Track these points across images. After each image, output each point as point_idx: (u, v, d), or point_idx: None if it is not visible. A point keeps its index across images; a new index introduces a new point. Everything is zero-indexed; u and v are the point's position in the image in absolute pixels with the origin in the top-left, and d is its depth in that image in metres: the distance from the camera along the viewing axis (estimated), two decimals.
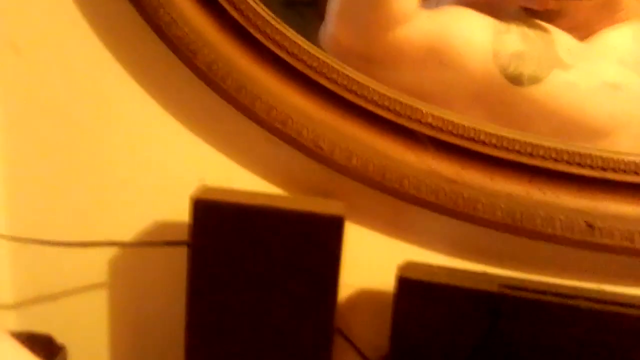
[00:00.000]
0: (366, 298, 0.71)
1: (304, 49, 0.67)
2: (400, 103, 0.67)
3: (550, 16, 0.70)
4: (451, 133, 0.66)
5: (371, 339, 0.71)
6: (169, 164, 0.72)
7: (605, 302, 0.63)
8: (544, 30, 0.69)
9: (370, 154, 0.67)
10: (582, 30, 0.70)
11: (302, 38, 0.68)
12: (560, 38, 0.69)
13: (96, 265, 0.74)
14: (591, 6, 0.69)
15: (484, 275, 0.67)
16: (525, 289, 0.63)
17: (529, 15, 0.70)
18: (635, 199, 0.64)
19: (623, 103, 0.69)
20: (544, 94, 0.67)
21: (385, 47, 0.68)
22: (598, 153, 0.64)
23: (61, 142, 0.73)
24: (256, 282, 0.67)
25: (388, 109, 0.67)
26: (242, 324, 0.67)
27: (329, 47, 0.70)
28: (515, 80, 0.67)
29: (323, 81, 0.67)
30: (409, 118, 0.66)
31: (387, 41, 0.67)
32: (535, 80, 0.67)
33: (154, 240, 0.72)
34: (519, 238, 0.66)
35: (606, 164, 0.64)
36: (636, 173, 0.64)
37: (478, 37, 0.68)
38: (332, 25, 0.70)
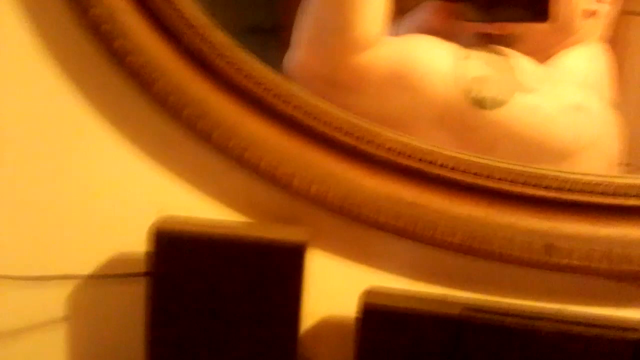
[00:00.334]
0: (329, 325, 0.71)
1: (263, 75, 0.67)
2: (360, 128, 0.67)
3: (508, 41, 0.72)
4: (410, 157, 0.66)
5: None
6: (128, 195, 0.71)
7: (566, 322, 0.63)
8: (504, 55, 0.70)
9: (331, 180, 0.67)
10: (540, 54, 0.72)
11: (261, 65, 0.68)
12: (520, 62, 0.71)
13: (55, 300, 0.73)
14: (547, 31, 0.71)
15: (447, 299, 0.66)
16: (488, 312, 0.63)
17: (487, 41, 0.72)
18: (592, 219, 0.65)
19: (585, 123, 0.71)
20: (507, 117, 0.69)
21: (350, 71, 0.69)
22: (554, 174, 0.65)
23: (16, 175, 0.71)
24: (218, 312, 0.66)
25: (347, 134, 0.67)
26: (203, 355, 0.67)
27: (295, 73, 0.71)
28: (479, 104, 0.68)
29: (282, 108, 0.67)
30: (368, 143, 0.67)
31: (352, 66, 0.68)
32: (498, 103, 0.68)
33: (114, 273, 0.71)
34: (479, 260, 0.66)
35: (563, 185, 0.64)
36: (592, 193, 0.65)
37: (439, 63, 0.69)
38: (298, 51, 0.71)
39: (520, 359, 0.63)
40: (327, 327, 0.71)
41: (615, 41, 0.76)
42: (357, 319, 0.64)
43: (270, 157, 0.67)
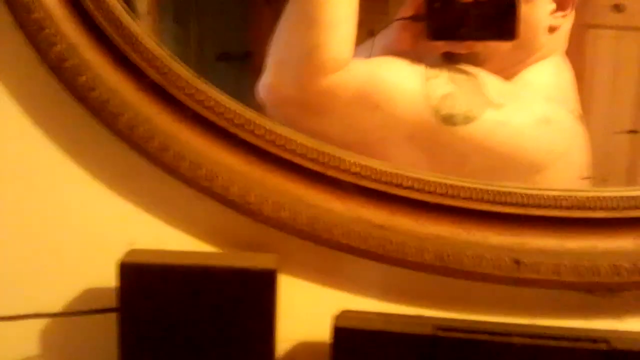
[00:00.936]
0: (304, 350, 0.71)
1: (227, 105, 0.68)
2: (325, 154, 0.68)
3: (474, 60, 0.72)
4: (377, 180, 0.67)
5: None
6: (96, 229, 0.71)
7: (537, 336, 0.63)
8: (471, 73, 0.71)
9: (299, 205, 0.67)
10: (505, 71, 0.73)
11: (224, 95, 0.68)
12: (487, 79, 0.71)
13: (27, 338, 0.72)
14: (512, 48, 0.72)
15: (418, 318, 0.67)
16: (459, 330, 0.64)
17: (454, 61, 0.73)
18: (558, 233, 0.65)
19: (555, 136, 0.72)
20: (478, 133, 0.69)
21: (319, 94, 0.69)
22: (520, 191, 0.65)
23: None
24: (191, 343, 0.66)
25: (314, 161, 0.68)
26: None
27: (266, 97, 0.71)
28: (449, 121, 0.69)
29: (248, 137, 0.68)
30: (335, 168, 0.67)
31: (321, 89, 0.69)
32: (468, 120, 0.69)
33: (83, 309, 0.71)
34: (449, 278, 0.67)
35: (528, 201, 0.65)
36: (558, 207, 0.65)
37: (408, 82, 0.70)
38: (268, 74, 0.71)
39: None
40: (302, 352, 0.71)
41: (579, 54, 0.78)
42: (330, 342, 0.64)
43: (238, 186, 0.67)
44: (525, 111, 0.72)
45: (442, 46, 0.73)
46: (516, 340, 0.63)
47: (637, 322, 0.68)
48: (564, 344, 0.63)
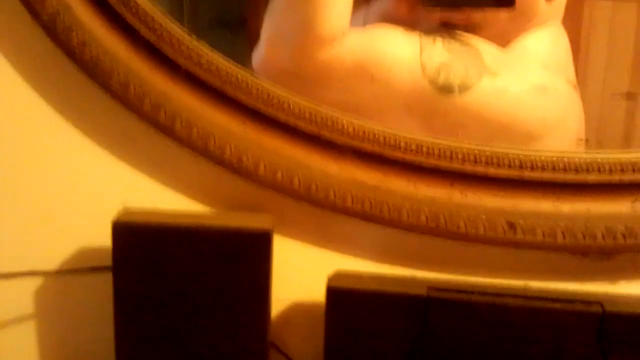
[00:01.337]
0: (299, 310, 0.71)
1: (221, 65, 0.67)
2: (321, 114, 0.67)
3: (471, 28, 0.72)
4: (372, 141, 0.67)
5: (307, 352, 0.71)
6: (91, 190, 0.71)
7: (532, 298, 0.64)
8: (467, 41, 0.71)
9: (295, 167, 0.67)
10: (501, 39, 0.72)
11: (221, 56, 0.68)
12: (483, 47, 0.71)
13: (22, 296, 0.72)
14: (508, 16, 0.71)
15: (413, 279, 0.67)
16: (453, 291, 0.64)
17: (450, 29, 0.72)
18: (554, 196, 0.65)
19: (551, 105, 0.72)
20: (475, 102, 0.69)
21: (317, 66, 0.69)
22: (514, 152, 0.65)
23: None
24: (186, 302, 0.66)
25: (309, 121, 0.67)
26: (174, 344, 0.66)
27: (262, 69, 0.71)
28: (446, 90, 0.69)
29: (243, 97, 0.67)
30: (330, 129, 0.67)
31: (319, 60, 0.69)
32: (465, 88, 0.69)
33: (79, 267, 0.71)
34: (444, 240, 0.67)
35: (523, 163, 0.65)
36: (553, 170, 0.65)
37: (405, 52, 0.70)
38: (264, 47, 0.71)
39: (487, 335, 0.63)
40: (297, 313, 0.71)
41: (576, 23, 0.77)
42: (325, 302, 0.65)
43: (233, 146, 0.67)
44: (522, 79, 0.72)
45: (440, 15, 0.73)
46: (510, 301, 0.63)
47: (630, 286, 0.68)
48: (558, 306, 0.63)
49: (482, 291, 0.64)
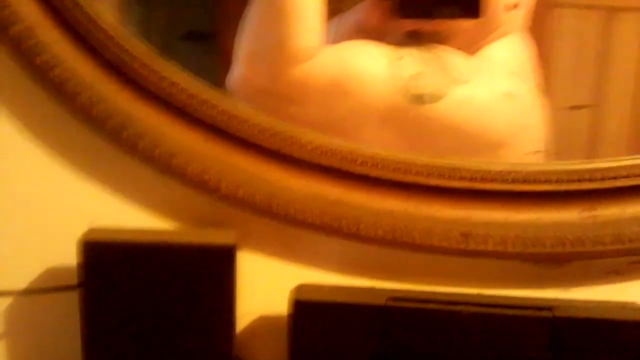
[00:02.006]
0: (265, 324, 0.73)
1: (184, 84, 0.69)
2: (282, 131, 0.69)
3: (439, 38, 0.75)
4: (332, 156, 0.69)
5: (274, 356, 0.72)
6: (58, 209, 0.72)
7: (485, 305, 0.66)
8: (436, 51, 0.74)
9: (256, 182, 0.69)
10: (468, 48, 0.76)
11: (184, 73, 0.69)
12: (451, 57, 0.74)
13: None
14: (474, 25, 0.75)
15: (372, 290, 0.69)
16: (410, 300, 0.66)
17: (418, 39, 0.75)
18: (504, 206, 0.68)
19: (517, 110, 0.75)
20: (445, 111, 0.72)
21: (291, 83, 0.71)
22: (467, 165, 0.68)
23: None
24: (152, 318, 0.67)
25: (271, 137, 0.69)
26: (142, 356, 0.68)
27: (238, 88, 0.73)
28: (418, 100, 0.71)
29: (205, 116, 0.69)
30: (290, 146, 0.69)
31: (292, 78, 0.71)
32: (435, 98, 0.72)
33: (46, 287, 0.72)
34: (401, 251, 0.69)
35: (475, 175, 0.68)
36: (504, 181, 0.68)
37: (376, 66, 0.72)
38: (240, 65, 0.73)
39: (444, 341, 0.66)
40: (262, 326, 0.73)
41: (544, 33, 0.80)
42: (288, 315, 0.67)
43: (196, 164, 0.69)
44: (489, 86, 0.75)
45: (409, 24, 0.76)
46: (464, 308, 0.66)
47: (581, 292, 0.71)
48: (510, 312, 0.66)
49: (438, 300, 0.67)
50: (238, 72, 0.73)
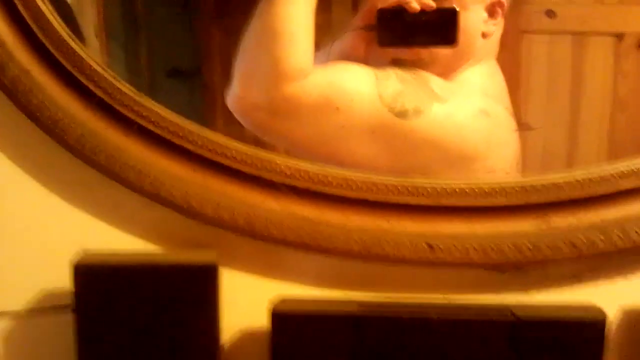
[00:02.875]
0: (247, 338, 0.77)
1: (170, 119, 0.74)
2: (260, 158, 0.74)
3: (419, 64, 0.81)
4: (306, 180, 0.74)
5: None
6: (51, 236, 0.77)
7: (451, 311, 0.71)
8: (417, 73, 0.79)
9: (237, 205, 0.74)
10: (445, 74, 0.81)
11: (167, 110, 0.74)
12: (431, 78, 0.80)
13: None
14: (450, 53, 0.80)
15: (347, 301, 0.73)
16: (382, 308, 0.71)
17: (401, 65, 0.80)
18: (467, 219, 0.73)
19: (492, 128, 0.80)
20: (428, 125, 0.77)
21: (285, 101, 0.76)
22: (430, 183, 0.73)
23: None
24: (142, 336, 0.72)
25: (250, 165, 0.74)
26: None
27: (235, 106, 0.78)
28: (402, 115, 0.76)
29: (189, 146, 0.74)
30: (268, 170, 0.74)
31: (287, 96, 0.76)
32: (418, 113, 0.77)
33: (41, 308, 0.76)
34: (373, 264, 0.74)
35: (439, 192, 0.73)
36: (464, 197, 0.73)
37: (364, 84, 0.77)
38: (236, 85, 0.78)
39: (414, 346, 0.70)
40: (244, 340, 0.77)
41: (515, 58, 0.86)
42: (269, 326, 0.71)
43: (181, 191, 0.74)
44: (466, 104, 0.80)
45: (392, 52, 0.81)
46: (432, 315, 0.70)
47: (542, 295, 0.76)
48: (474, 316, 0.70)
49: (408, 308, 0.71)
50: (235, 91, 0.78)
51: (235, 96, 0.78)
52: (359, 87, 0.77)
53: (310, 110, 0.77)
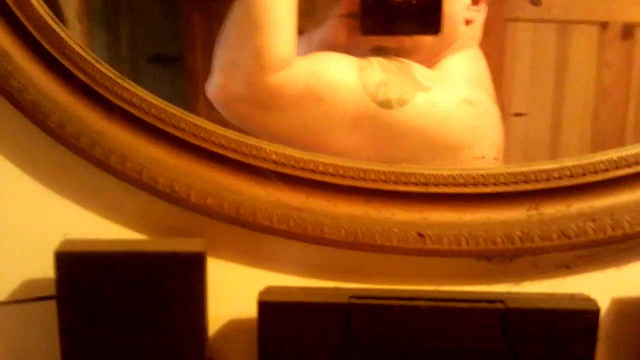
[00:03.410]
0: (234, 327, 0.76)
1: (152, 102, 0.73)
2: (246, 144, 0.73)
3: (402, 52, 0.79)
4: (293, 166, 0.73)
5: (245, 356, 0.76)
6: (32, 223, 0.75)
7: (441, 299, 0.70)
8: (400, 61, 0.78)
9: (224, 193, 0.73)
10: (429, 62, 0.80)
11: (150, 94, 0.73)
12: (414, 66, 0.78)
13: None
14: (433, 40, 0.79)
15: (335, 290, 0.73)
16: (371, 297, 0.70)
17: (383, 54, 0.78)
18: (457, 207, 0.72)
19: (477, 116, 0.79)
20: (412, 115, 0.76)
21: (268, 91, 0.74)
22: (420, 170, 0.72)
23: None
24: (127, 325, 0.70)
25: (235, 150, 0.73)
26: None
27: (216, 96, 0.76)
28: (385, 105, 0.75)
29: (172, 130, 0.73)
30: (255, 157, 0.73)
31: (269, 86, 0.74)
32: (402, 103, 0.75)
33: (24, 298, 0.75)
34: (362, 252, 0.73)
35: (427, 180, 0.72)
36: (454, 185, 0.72)
37: (346, 74, 0.76)
38: (217, 75, 0.76)
39: (404, 335, 0.70)
40: (232, 329, 0.76)
41: (499, 46, 0.84)
42: (257, 315, 0.70)
43: (165, 177, 0.73)
44: (450, 93, 0.79)
45: (375, 40, 0.79)
46: (422, 304, 0.70)
47: (533, 285, 0.75)
48: (465, 305, 0.70)
49: (397, 296, 0.70)
50: (216, 81, 0.76)
51: (216, 86, 0.77)
52: (342, 76, 0.76)
53: (293, 101, 0.75)
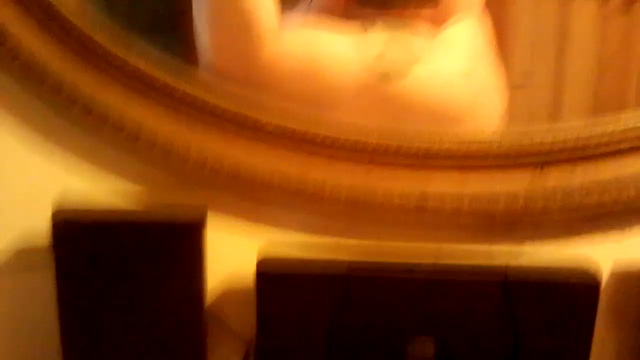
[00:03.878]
0: (232, 297, 0.75)
1: (145, 66, 0.71)
2: (244, 113, 0.72)
3: (400, 22, 0.77)
4: (290, 138, 0.72)
5: (244, 320, 0.75)
6: (26, 190, 0.74)
7: (439, 272, 0.69)
8: (398, 33, 0.76)
9: (222, 159, 0.71)
10: (429, 32, 0.78)
11: (148, 53, 0.72)
12: (413, 39, 0.77)
13: None
14: (433, 11, 0.78)
15: (333, 261, 0.71)
16: (372, 268, 0.69)
17: (381, 24, 0.77)
18: (460, 166, 0.71)
19: (476, 88, 0.78)
20: (411, 87, 0.75)
21: (261, 68, 0.73)
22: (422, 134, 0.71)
23: None
24: (125, 294, 0.70)
25: (235, 115, 0.72)
26: (115, 333, 0.71)
27: (213, 75, 0.74)
28: (384, 78, 0.74)
29: (170, 93, 0.71)
30: (251, 128, 0.71)
31: (262, 62, 0.73)
32: (400, 75, 0.74)
33: (20, 266, 0.74)
34: (361, 221, 0.73)
35: (431, 138, 0.71)
36: (458, 143, 0.71)
37: (343, 46, 0.75)
38: (207, 55, 0.75)
39: (402, 306, 0.69)
40: (229, 299, 0.75)
41: (501, 14, 0.82)
42: (254, 287, 0.69)
43: (161, 142, 0.71)
44: (449, 65, 0.78)
45: (372, 11, 0.78)
46: (420, 275, 0.69)
47: (535, 246, 0.74)
48: (466, 276, 0.69)
49: (395, 269, 0.69)
50: (207, 62, 0.75)
51: (206, 68, 0.75)
52: (338, 49, 0.75)
53: (287, 79, 0.74)
